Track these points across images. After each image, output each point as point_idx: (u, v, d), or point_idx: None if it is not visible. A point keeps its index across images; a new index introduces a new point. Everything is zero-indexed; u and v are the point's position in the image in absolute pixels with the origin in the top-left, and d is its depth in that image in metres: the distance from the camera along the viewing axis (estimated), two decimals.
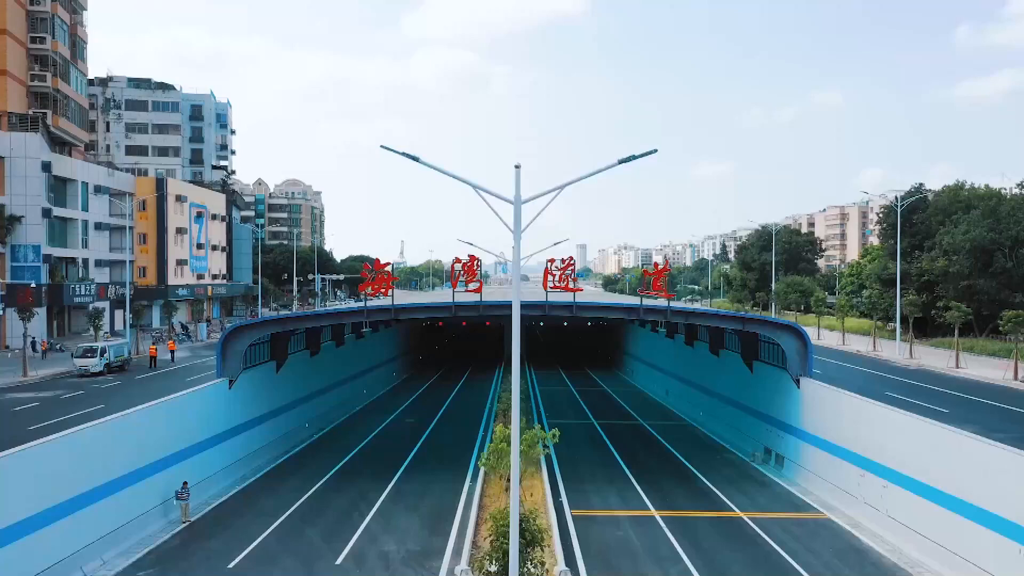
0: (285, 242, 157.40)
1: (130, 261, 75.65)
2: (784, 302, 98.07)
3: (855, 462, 30.59)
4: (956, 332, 48.17)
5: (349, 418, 50.63)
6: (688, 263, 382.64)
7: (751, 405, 43.03)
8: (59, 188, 63.53)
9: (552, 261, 35.98)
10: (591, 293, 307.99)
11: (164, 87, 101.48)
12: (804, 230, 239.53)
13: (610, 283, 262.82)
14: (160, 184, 78.57)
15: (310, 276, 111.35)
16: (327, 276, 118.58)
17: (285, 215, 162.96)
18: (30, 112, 59.40)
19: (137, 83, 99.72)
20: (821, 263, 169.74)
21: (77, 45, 67.62)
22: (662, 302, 36.72)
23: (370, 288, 35.89)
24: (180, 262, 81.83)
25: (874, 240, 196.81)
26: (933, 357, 52.88)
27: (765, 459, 39.52)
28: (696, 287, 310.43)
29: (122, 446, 27.44)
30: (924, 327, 66.30)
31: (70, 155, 67.85)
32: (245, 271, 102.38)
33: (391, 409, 53.95)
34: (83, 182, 66.92)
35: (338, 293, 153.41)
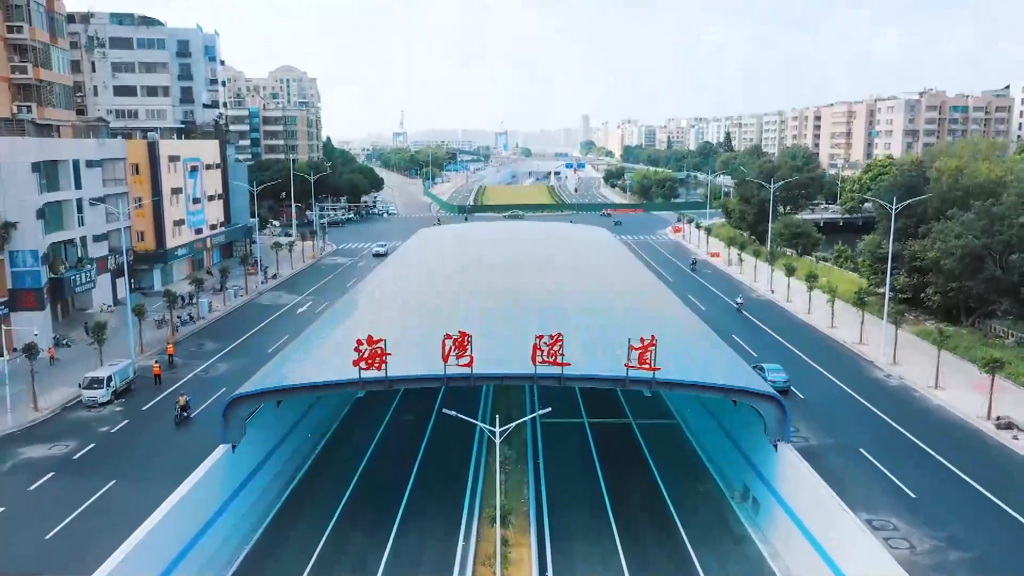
0: (282, 156, 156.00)
1: (126, 227, 76.04)
2: (780, 243, 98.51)
3: (821, 555, 32.55)
4: (938, 353, 49.34)
5: (348, 415, 51.04)
6: (692, 146, 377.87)
7: (732, 433, 44.65)
8: (50, 171, 62.92)
9: (540, 337, 36.82)
10: (589, 180, 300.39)
11: (148, 22, 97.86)
12: (811, 123, 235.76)
13: (611, 177, 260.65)
14: (152, 147, 77.60)
15: (308, 214, 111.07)
16: (326, 205, 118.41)
17: (280, 127, 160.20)
18: (14, 112, 58.11)
19: (120, 19, 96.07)
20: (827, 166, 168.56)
21: (55, 22, 65.06)
22: (648, 374, 37.74)
23: (364, 363, 36.79)
24: (177, 222, 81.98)
25: (880, 144, 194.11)
26: (916, 360, 54.23)
27: (743, 497, 41.61)
28: (699, 175, 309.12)
29: (144, 561, 29.23)
30: (914, 301, 67.44)
31: (58, 134, 66.74)
32: (243, 211, 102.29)
33: (387, 401, 54.44)
34: (74, 160, 66.20)
35: (337, 212, 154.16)
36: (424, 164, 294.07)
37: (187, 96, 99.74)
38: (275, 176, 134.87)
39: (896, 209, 56.52)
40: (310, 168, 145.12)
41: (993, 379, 44.02)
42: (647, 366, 37.65)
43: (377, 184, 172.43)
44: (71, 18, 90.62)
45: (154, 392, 50.24)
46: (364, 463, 44.38)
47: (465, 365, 38.16)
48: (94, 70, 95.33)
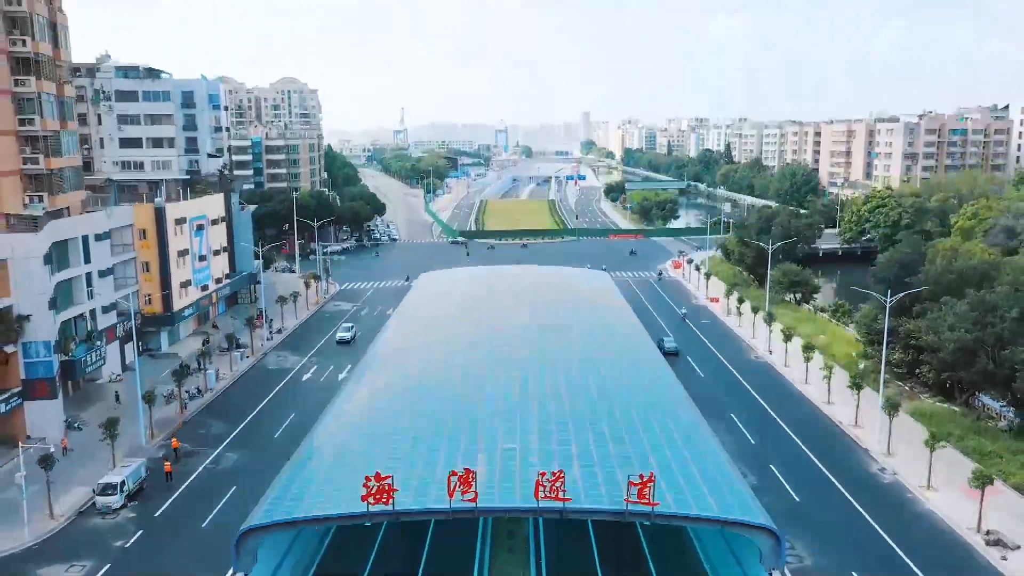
0: (284, 184, 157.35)
1: (134, 292, 77.41)
2: (778, 290, 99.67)
3: None
4: (930, 455, 50.49)
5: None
6: (692, 152, 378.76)
7: (731, 542, 45.98)
8: (60, 251, 64.07)
9: (543, 474, 38.10)
10: (590, 191, 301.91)
11: (153, 73, 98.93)
12: (811, 139, 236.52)
13: (612, 190, 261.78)
14: (159, 213, 78.72)
15: (311, 252, 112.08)
16: (329, 245, 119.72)
17: (283, 156, 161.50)
18: (26, 203, 59.17)
19: (125, 72, 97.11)
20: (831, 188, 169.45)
21: (65, 106, 66.05)
22: (647, 508, 39.05)
23: (372, 499, 38.09)
24: (184, 283, 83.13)
25: (879, 166, 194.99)
26: (910, 443, 55.33)
27: None
28: (701, 185, 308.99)
29: None
30: (910, 373, 68.64)
31: (68, 212, 67.81)
32: (247, 258, 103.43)
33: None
34: (83, 236, 67.35)
35: (340, 239, 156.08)
36: (425, 174, 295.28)
37: (192, 146, 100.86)
38: (278, 207, 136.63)
39: (890, 303, 57.66)
40: (312, 198, 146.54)
41: (983, 492, 45.23)
42: (646, 501, 38.92)
43: (379, 209, 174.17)
44: (76, 71, 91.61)
45: (166, 492, 51.48)
46: (369, 567, 45.74)
47: (470, 500, 39.45)
48: (100, 123, 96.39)
